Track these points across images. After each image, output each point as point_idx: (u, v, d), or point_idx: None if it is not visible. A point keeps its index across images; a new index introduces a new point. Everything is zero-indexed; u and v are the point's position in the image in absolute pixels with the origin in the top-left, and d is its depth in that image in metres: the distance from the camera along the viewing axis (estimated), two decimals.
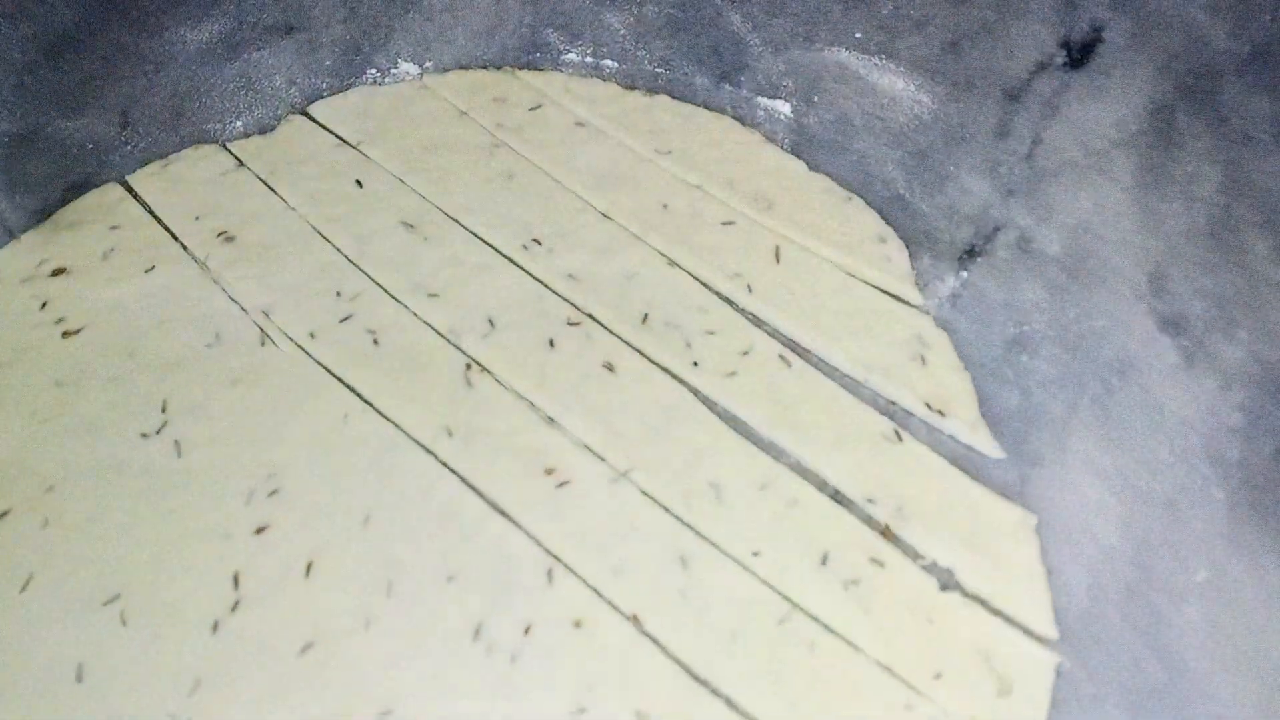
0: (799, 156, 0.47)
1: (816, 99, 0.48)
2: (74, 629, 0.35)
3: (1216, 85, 0.49)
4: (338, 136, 0.48)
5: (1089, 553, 0.36)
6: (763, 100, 0.48)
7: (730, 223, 0.44)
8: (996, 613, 0.35)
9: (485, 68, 0.50)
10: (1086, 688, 0.34)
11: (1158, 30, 0.51)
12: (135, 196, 0.46)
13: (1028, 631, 0.35)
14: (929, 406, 0.39)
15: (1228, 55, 0.50)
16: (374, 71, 0.50)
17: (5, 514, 0.38)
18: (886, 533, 0.37)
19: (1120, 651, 0.35)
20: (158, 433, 0.39)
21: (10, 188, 0.46)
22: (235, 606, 0.36)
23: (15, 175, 0.47)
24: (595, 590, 0.36)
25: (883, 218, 0.44)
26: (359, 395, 0.40)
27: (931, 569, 0.36)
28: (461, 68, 0.50)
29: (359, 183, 0.46)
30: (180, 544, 0.37)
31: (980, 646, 0.35)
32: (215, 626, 0.35)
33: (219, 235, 0.44)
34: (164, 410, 0.40)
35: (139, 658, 0.35)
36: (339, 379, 0.40)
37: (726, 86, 0.49)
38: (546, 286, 0.43)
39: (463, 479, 0.38)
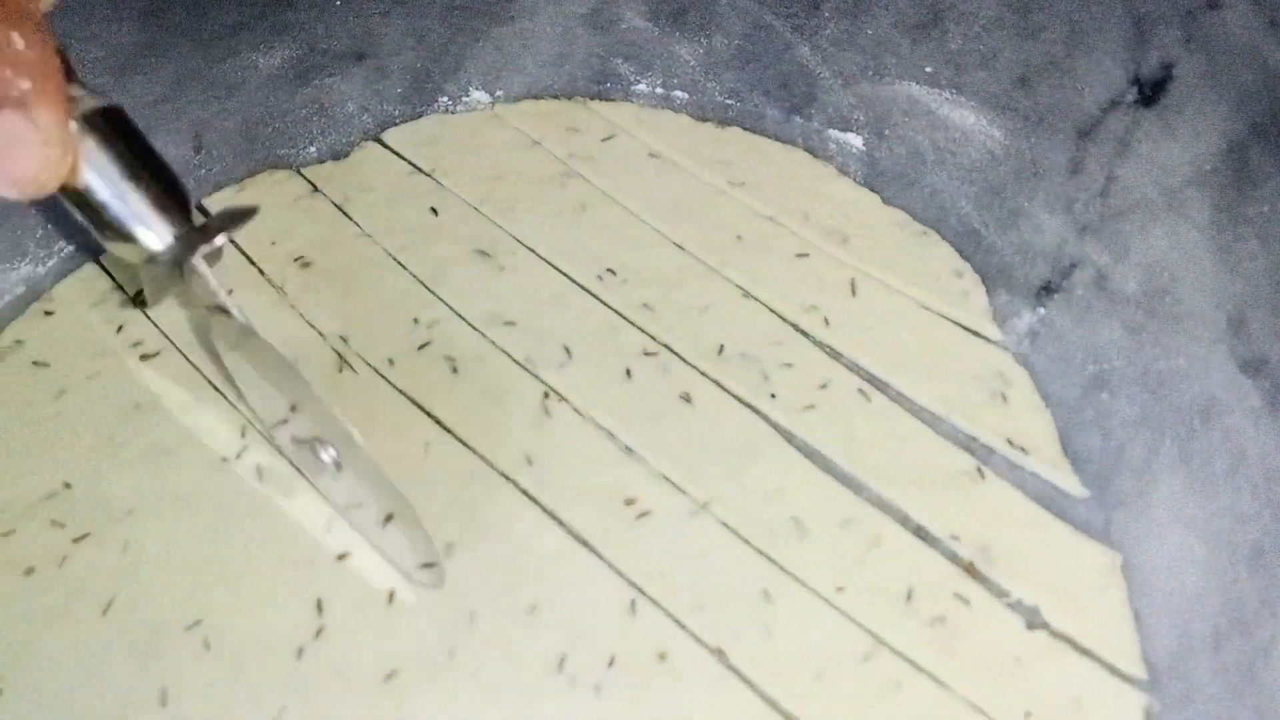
0: (872, 189, 0.47)
1: (887, 132, 0.48)
2: (157, 653, 0.35)
3: None
4: (411, 163, 0.48)
5: (1175, 598, 0.36)
6: (834, 133, 0.48)
7: (805, 255, 0.44)
8: (1085, 652, 0.35)
9: (556, 97, 0.50)
10: None
11: (1230, 68, 0.50)
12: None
13: (1116, 671, 0.35)
14: (1010, 443, 0.39)
15: None
16: (445, 99, 0.50)
17: (85, 537, 0.38)
18: (971, 570, 0.37)
19: (1210, 699, 0.34)
20: (237, 458, 0.40)
21: None
22: (319, 633, 0.36)
23: None
24: (679, 622, 0.36)
25: (959, 252, 0.44)
26: (439, 423, 0.40)
27: (1017, 607, 0.36)
28: (532, 97, 0.50)
29: (434, 210, 0.46)
30: (262, 570, 0.37)
31: (1068, 686, 0.34)
32: (299, 653, 0.35)
33: (295, 260, 0.45)
34: (243, 435, 0.40)
35: (223, 683, 0.35)
36: (419, 406, 0.41)
37: (797, 119, 0.49)
38: (622, 316, 0.43)
39: (544, 508, 0.38)
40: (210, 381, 0.41)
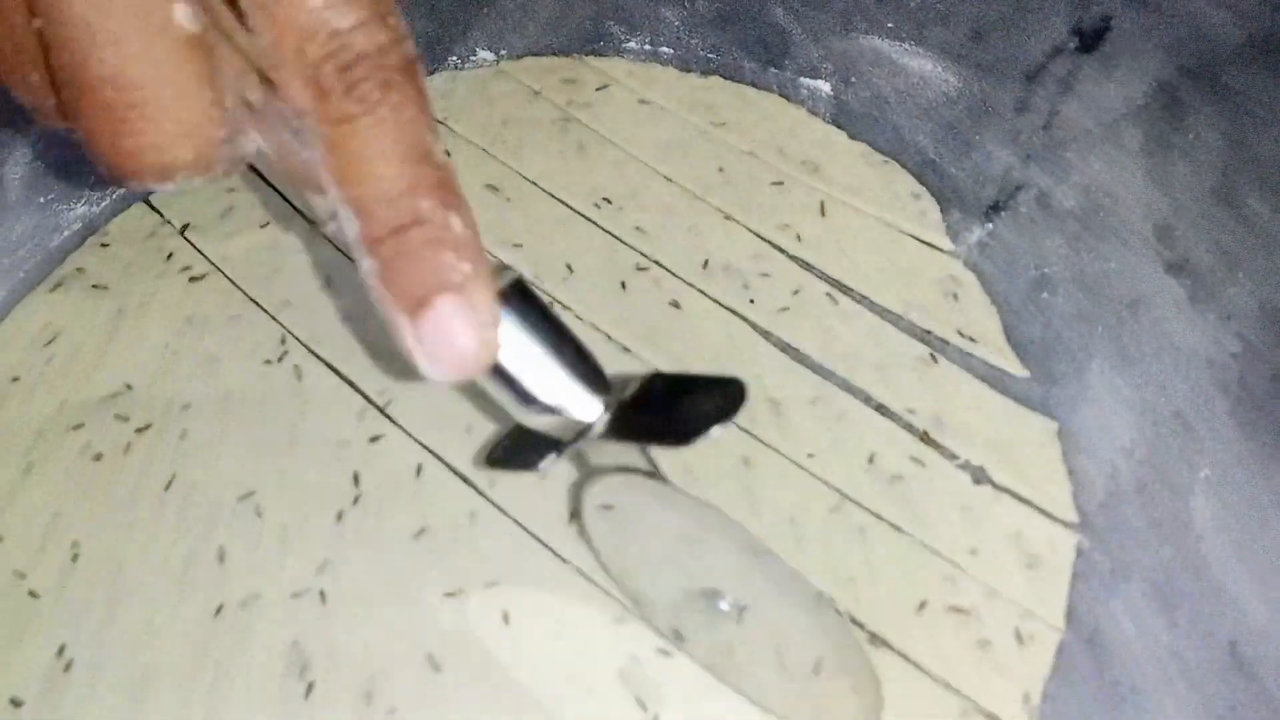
0: (839, 128, 0.52)
1: (854, 79, 0.54)
2: (214, 521, 0.40)
3: (1217, 67, 0.54)
4: None
5: (1105, 454, 0.41)
6: (805, 80, 0.54)
7: (779, 183, 0.50)
8: (1024, 501, 0.40)
9: (555, 54, 0.56)
10: (1105, 565, 0.39)
11: (1162, 20, 0.56)
12: (249, 166, 0.51)
13: (1051, 516, 0.40)
14: (960, 334, 0.44)
15: (1227, 42, 0.55)
16: (455, 59, 0.56)
17: (146, 427, 0.43)
18: (925, 437, 0.42)
19: (1134, 536, 0.39)
20: (279, 360, 0.45)
21: None
22: (356, 500, 0.41)
23: None
24: (672, 485, 0.41)
25: (916, 178, 0.50)
26: None
27: (965, 467, 0.41)
28: (534, 55, 0.56)
29: (447, 152, 0.51)
30: (304, 450, 0.42)
31: (1010, 529, 0.39)
32: (339, 516, 0.40)
33: None
34: (283, 342, 0.45)
35: (273, 543, 0.40)
36: None
37: (772, 69, 0.54)
38: (617, 238, 0.48)
39: None
40: (252, 299, 0.47)
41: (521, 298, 0.30)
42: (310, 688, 0.37)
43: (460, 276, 0.27)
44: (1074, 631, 0.37)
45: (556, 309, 0.45)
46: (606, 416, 0.30)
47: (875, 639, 0.37)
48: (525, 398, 0.30)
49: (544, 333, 0.30)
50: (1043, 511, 0.40)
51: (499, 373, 0.30)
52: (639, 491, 0.34)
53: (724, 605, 0.35)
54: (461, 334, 0.27)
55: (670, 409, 0.30)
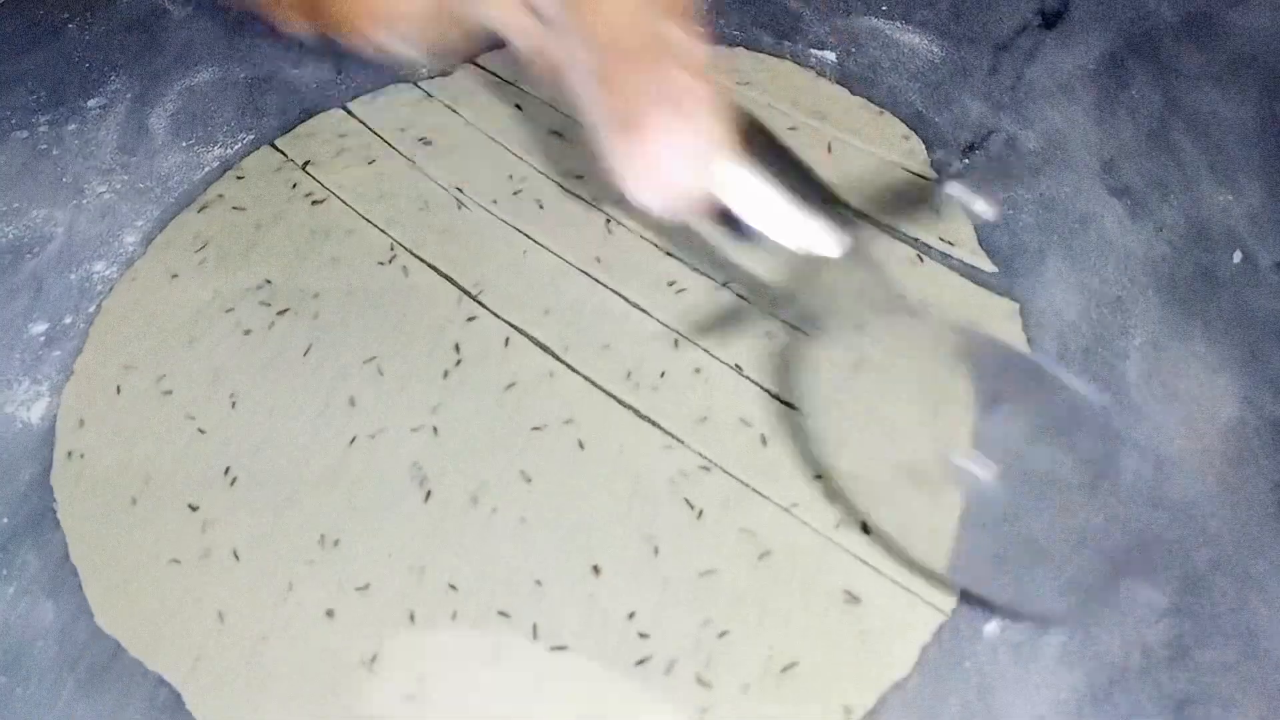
0: (843, 87, 0.63)
1: (854, 50, 0.65)
2: (344, 378, 0.51)
3: (1156, 40, 0.65)
4: (498, 77, 0.64)
5: (1056, 328, 0.51)
6: (814, 50, 0.65)
7: (794, 128, 0.60)
8: None
9: None
10: None
11: (1114, 4, 0.67)
12: (355, 117, 0.63)
13: None
14: (941, 239, 0.55)
15: (1167, 22, 0.66)
16: None
17: (285, 311, 0.53)
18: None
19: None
20: (390, 262, 0.55)
21: (258, 113, 0.63)
22: (457, 363, 0.51)
23: (260, 104, 0.64)
24: (707, 350, 0.51)
25: (907, 125, 0.60)
26: (532, 239, 0.56)
27: None
28: None
29: (518, 106, 0.62)
30: (414, 327, 0.52)
31: None
32: (445, 374, 0.51)
33: (419, 140, 0.61)
34: (392, 249, 0.56)
35: (394, 392, 0.50)
36: (517, 229, 0.56)
37: (786, 42, 0.65)
38: None
39: (612, 290, 0.54)
40: (364, 217, 0.57)
41: (755, 135, 0.27)
42: (428, 495, 0.47)
43: (689, 100, 0.25)
44: None
45: (612, 224, 0.56)
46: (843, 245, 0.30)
47: None
48: (749, 236, 0.29)
49: (776, 170, 0.27)
50: None
51: (723, 214, 0.28)
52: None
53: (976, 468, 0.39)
54: (683, 159, 0.25)
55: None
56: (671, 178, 0.26)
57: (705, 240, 0.53)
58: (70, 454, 0.48)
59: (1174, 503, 0.46)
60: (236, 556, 0.45)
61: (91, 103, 0.64)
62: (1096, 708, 0.41)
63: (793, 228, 0.29)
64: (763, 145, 0.29)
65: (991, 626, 0.43)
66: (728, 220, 0.29)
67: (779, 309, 0.52)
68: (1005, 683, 0.41)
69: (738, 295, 0.53)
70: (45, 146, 0.62)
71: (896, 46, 0.65)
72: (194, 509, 0.47)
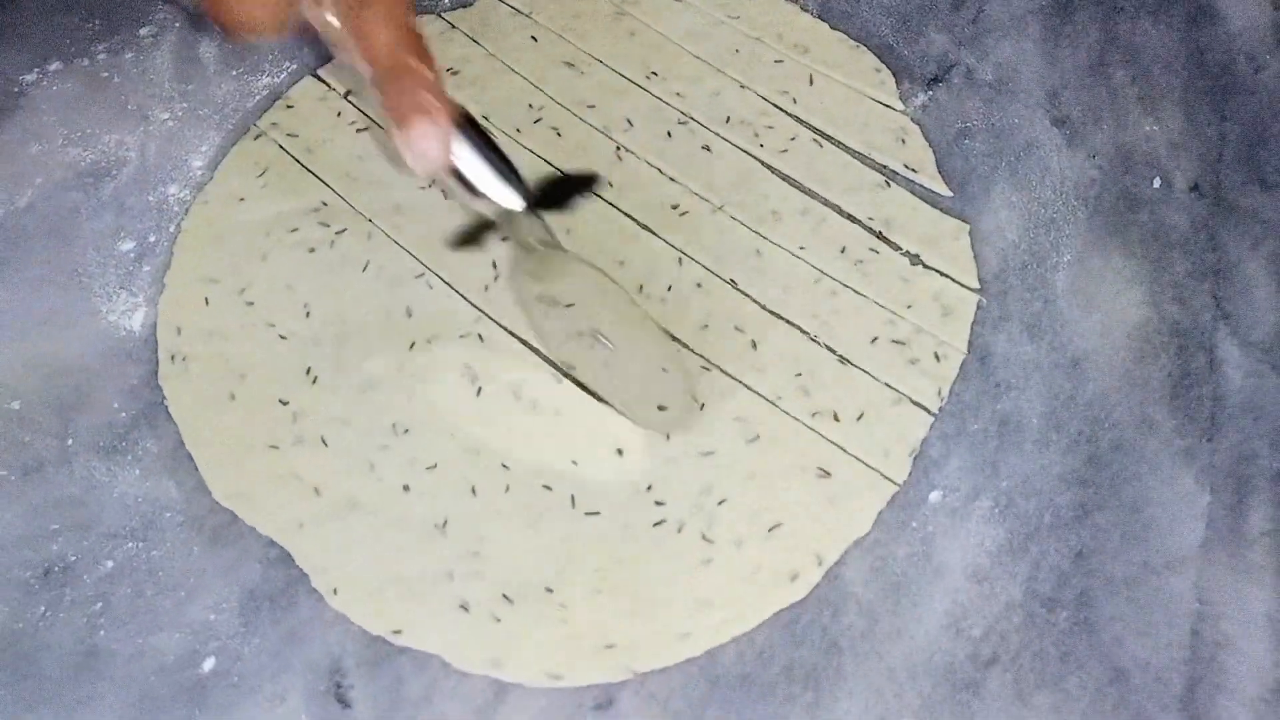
0: (824, 21, 0.70)
1: None
2: (399, 287, 0.60)
3: None
4: (514, 8, 0.71)
5: (999, 245, 0.61)
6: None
7: (780, 61, 0.68)
8: (944, 275, 0.60)
9: None
10: (995, 312, 0.59)
11: None
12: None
13: (961, 284, 0.60)
14: (906, 166, 0.64)
15: None
16: None
17: (343, 230, 0.62)
18: (880, 235, 0.61)
19: (1016, 296, 0.59)
20: (429, 186, 0.64)
21: (298, 42, 0.70)
22: (496, 278, 0.60)
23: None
24: (705, 266, 0.60)
25: (879, 58, 0.69)
26: (552, 165, 0.64)
27: (906, 255, 0.61)
28: None
29: (534, 38, 0.70)
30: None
31: (933, 291, 0.59)
32: (486, 288, 0.60)
33: (447, 70, 0.68)
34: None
35: (443, 298, 0.59)
36: (539, 156, 0.65)
37: None
38: (663, 100, 0.67)
39: (622, 211, 0.62)
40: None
41: (469, 125, 0.47)
42: (479, 391, 0.57)
43: (430, 105, 0.44)
44: (973, 353, 0.58)
45: (621, 151, 0.65)
46: (523, 204, 0.48)
47: (844, 359, 0.57)
48: (472, 190, 0.47)
49: (483, 149, 0.47)
50: (956, 281, 0.60)
51: (455, 173, 0.47)
52: (554, 262, 0.52)
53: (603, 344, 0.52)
54: (433, 144, 0.44)
55: (558, 193, 0.52)
56: (427, 154, 0.45)
57: (702, 167, 0.62)
58: (173, 357, 0.58)
59: (1087, 394, 0.56)
60: (324, 442, 0.55)
61: (144, 31, 0.71)
62: (1014, 556, 0.52)
63: (493, 186, 0.48)
64: (475, 132, 0.47)
65: (935, 495, 0.54)
66: (461, 179, 0.47)
67: (765, 229, 0.61)
68: (943, 538, 0.53)
69: (731, 217, 0.62)
70: (107, 74, 0.69)
71: None
72: (284, 403, 0.56)
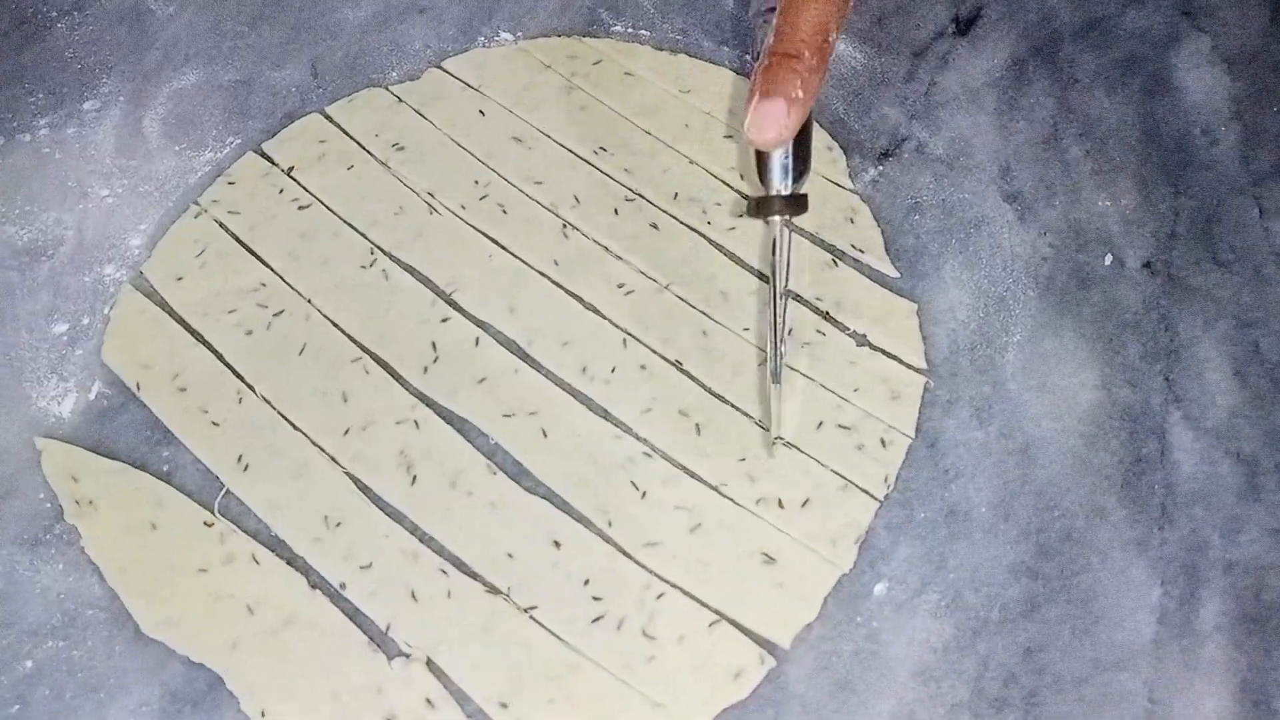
0: None
1: None
2: (337, 373, 0.58)
3: (1057, 46, 0.72)
4: (464, 82, 0.71)
5: (949, 325, 0.60)
6: (749, 59, 0.72)
7: (729, 136, 0.68)
8: (892, 356, 0.59)
9: (560, 35, 0.73)
10: (944, 396, 0.58)
11: (1021, 9, 0.74)
12: (332, 121, 0.69)
13: (910, 366, 0.59)
14: (854, 246, 0.63)
15: (1068, 25, 0.73)
16: (482, 38, 0.73)
17: (281, 312, 0.61)
18: (827, 316, 0.60)
19: (966, 379, 0.58)
20: (371, 265, 0.63)
21: (243, 116, 0.69)
22: (435, 360, 0.59)
23: (244, 107, 0.70)
24: (652, 349, 0.59)
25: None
26: (497, 243, 0.63)
27: (853, 335, 0.60)
28: (544, 35, 0.73)
29: (481, 112, 0.69)
30: (396, 328, 0.60)
31: (881, 375, 0.58)
32: (425, 370, 0.59)
33: (393, 145, 0.67)
34: (372, 252, 0.63)
35: (381, 387, 0.58)
36: (484, 234, 0.64)
37: (725, 49, 0.72)
38: (610, 177, 0.66)
39: (567, 291, 0.61)
40: (347, 222, 0.64)
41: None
42: (414, 479, 0.55)
43: (796, 93, 0.48)
44: (921, 439, 0.56)
45: (568, 229, 0.64)
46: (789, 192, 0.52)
47: (790, 445, 0.56)
48: (785, 171, 0.52)
49: (803, 147, 0.52)
50: (904, 363, 0.59)
51: (780, 153, 0.51)
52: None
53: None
54: (779, 120, 0.48)
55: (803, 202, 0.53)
56: (766, 133, 0.50)
57: (649, 245, 0.61)
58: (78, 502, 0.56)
59: (1037, 481, 0.55)
60: (256, 560, 0.53)
61: (88, 105, 0.70)
62: (961, 653, 0.51)
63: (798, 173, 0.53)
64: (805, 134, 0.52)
65: (880, 587, 0.52)
66: (778, 159, 0.52)
67: (712, 309, 0.60)
68: (890, 633, 0.51)
69: (677, 297, 0.61)
70: (49, 150, 0.68)
71: None
72: (208, 525, 0.54)
